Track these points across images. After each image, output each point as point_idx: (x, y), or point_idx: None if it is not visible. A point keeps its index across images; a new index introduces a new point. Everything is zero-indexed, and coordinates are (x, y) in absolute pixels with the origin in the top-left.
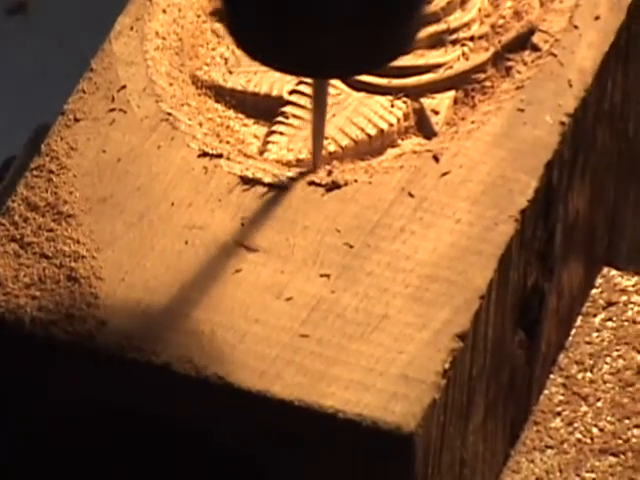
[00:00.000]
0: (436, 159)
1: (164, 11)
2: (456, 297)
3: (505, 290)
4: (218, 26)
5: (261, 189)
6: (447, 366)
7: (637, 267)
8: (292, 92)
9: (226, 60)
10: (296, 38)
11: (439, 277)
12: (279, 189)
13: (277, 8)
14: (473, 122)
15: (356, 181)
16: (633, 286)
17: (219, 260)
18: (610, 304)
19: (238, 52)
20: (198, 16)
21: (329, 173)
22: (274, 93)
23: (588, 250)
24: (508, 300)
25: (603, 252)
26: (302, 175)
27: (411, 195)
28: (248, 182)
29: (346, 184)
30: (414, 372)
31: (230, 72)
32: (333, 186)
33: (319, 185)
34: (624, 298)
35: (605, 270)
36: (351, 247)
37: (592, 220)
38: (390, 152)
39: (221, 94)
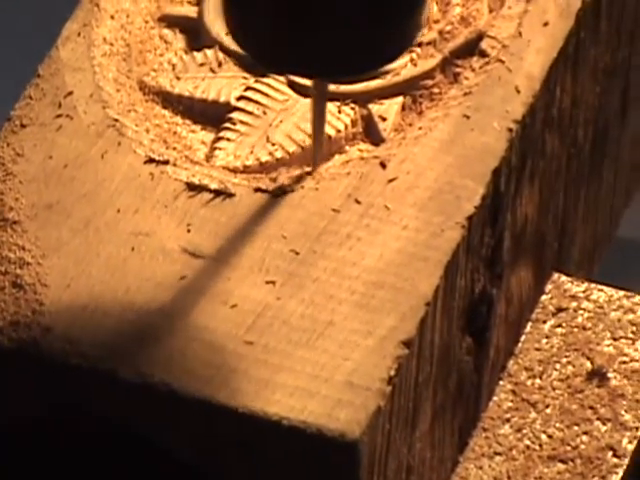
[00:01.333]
0: (383, 165)
1: (112, 17)
2: (402, 304)
3: (452, 297)
4: (166, 32)
5: (207, 195)
6: (392, 373)
7: (587, 273)
8: (240, 98)
9: (174, 66)
10: (296, 38)
11: (385, 284)
12: (225, 195)
13: (278, 8)
14: (420, 128)
15: (302, 187)
16: (583, 292)
17: (165, 267)
18: (560, 310)
19: (186, 58)
20: (146, 22)
21: (274, 180)
22: (222, 99)
23: (537, 256)
24: (455, 307)
25: (553, 258)
26: (249, 181)
27: (358, 202)
28: (194, 188)
29: (292, 190)
30: (359, 379)
31: (178, 78)
32: (279, 192)
33: (265, 191)
34: (574, 304)
35: (555, 276)
36: (297, 254)
37: (541, 226)
38: (337, 158)
39: (169, 100)
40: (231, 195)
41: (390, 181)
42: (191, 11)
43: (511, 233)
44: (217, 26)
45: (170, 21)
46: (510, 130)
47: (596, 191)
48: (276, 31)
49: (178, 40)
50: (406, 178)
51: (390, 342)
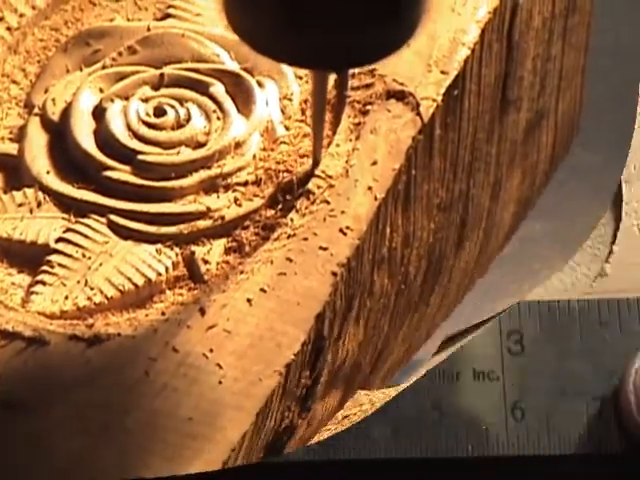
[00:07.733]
0: (202, 312)
1: None
2: (210, 452)
3: (258, 437)
4: None
5: (20, 344)
6: None
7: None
8: (59, 240)
9: None
10: (300, 30)
11: (198, 435)
12: (39, 344)
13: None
14: (242, 272)
15: (119, 335)
16: None
17: None
18: None
19: (5, 197)
20: None
21: (91, 326)
22: (40, 241)
23: (349, 383)
24: (259, 444)
25: (363, 380)
26: (65, 328)
27: (175, 350)
28: (7, 337)
29: (108, 338)
30: None
31: None
32: (95, 340)
33: (80, 339)
34: None
35: (357, 393)
36: (111, 405)
37: (360, 357)
38: (156, 303)
39: None
40: (45, 343)
41: (209, 328)
42: (11, 148)
43: (329, 370)
44: (37, 164)
45: None
46: (334, 274)
47: (420, 316)
48: (281, 22)
49: None
50: (226, 324)
51: None
